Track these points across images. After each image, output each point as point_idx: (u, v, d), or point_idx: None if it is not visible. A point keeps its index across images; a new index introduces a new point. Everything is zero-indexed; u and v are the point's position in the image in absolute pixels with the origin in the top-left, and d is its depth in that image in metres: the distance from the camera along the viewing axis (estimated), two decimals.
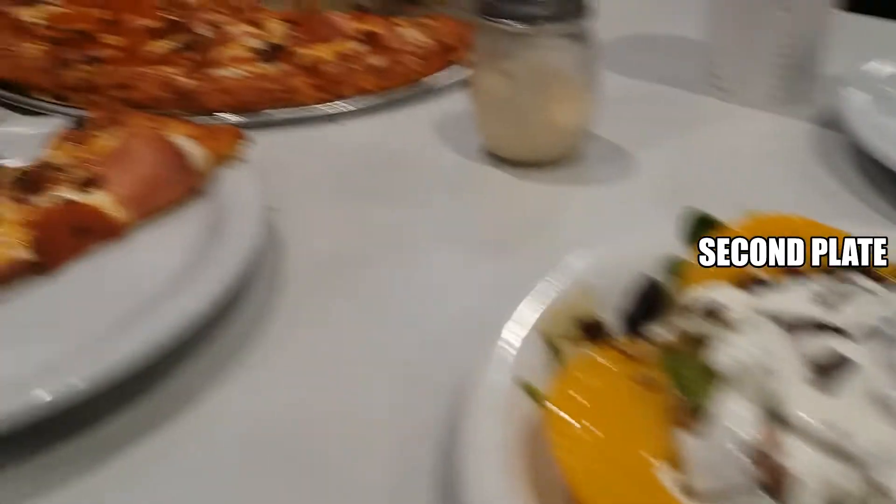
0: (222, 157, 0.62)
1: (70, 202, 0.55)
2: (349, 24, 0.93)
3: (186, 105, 0.78)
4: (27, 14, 0.97)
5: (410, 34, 0.91)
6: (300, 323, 0.52)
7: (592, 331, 0.42)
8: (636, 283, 0.45)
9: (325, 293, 0.55)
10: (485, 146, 0.72)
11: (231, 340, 0.50)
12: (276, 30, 0.95)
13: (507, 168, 0.70)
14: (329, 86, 0.80)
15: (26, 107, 0.81)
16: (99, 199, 0.56)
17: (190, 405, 0.45)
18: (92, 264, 0.55)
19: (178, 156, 0.59)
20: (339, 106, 0.80)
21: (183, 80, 0.79)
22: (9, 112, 0.82)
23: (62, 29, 0.93)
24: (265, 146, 0.66)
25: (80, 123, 0.64)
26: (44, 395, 0.39)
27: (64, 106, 0.80)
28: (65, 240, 0.54)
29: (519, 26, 0.63)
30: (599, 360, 0.38)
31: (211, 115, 0.77)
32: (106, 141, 0.62)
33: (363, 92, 0.81)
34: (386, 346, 0.50)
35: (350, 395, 0.47)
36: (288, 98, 0.79)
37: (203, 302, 0.46)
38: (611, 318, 0.44)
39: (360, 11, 1.08)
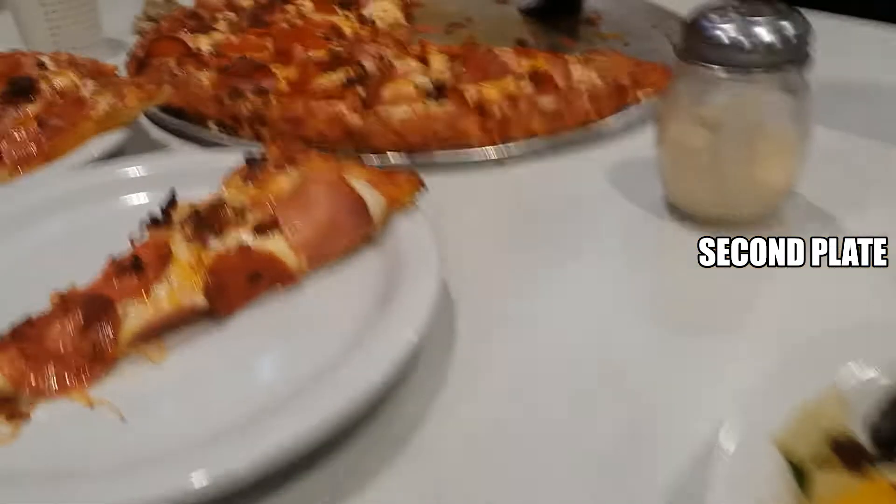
0: (399, 205, 0.59)
1: (247, 248, 0.54)
2: (516, 60, 0.89)
3: (355, 143, 0.76)
4: (202, 42, 1.00)
5: (581, 73, 0.85)
6: (471, 394, 0.48)
7: (849, 453, 0.35)
8: (889, 391, 0.37)
9: (499, 361, 0.51)
10: (669, 199, 0.66)
11: (397, 413, 0.46)
12: (441, 64, 0.92)
13: (695, 225, 0.63)
14: (498, 128, 0.76)
15: (196, 136, 0.82)
16: (275, 245, 0.54)
17: (356, 484, 0.41)
18: (263, 312, 0.53)
19: (357, 202, 0.56)
20: (508, 149, 0.76)
21: (351, 118, 0.77)
22: (179, 140, 0.84)
23: (231, 57, 0.94)
24: (431, 189, 0.62)
25: (255, 160, 0.63)
26: (201, 479, 0.37)
27: (232, 136, 0.80)
28: (240, 286, 0.53)
29: (728, 73, 0.56)
30: (865, 494, 0.31)
31: (379, 154, 0.75)
32: (282, 181, 0.61)
33: (533, 134, 0.77)
34: (572, 433, 0.45)
35: (539, 487, 0.41)
36: (456, 140, 0.75)
37: (382, 373, 0.43)
38: (861, 434, 0.37)
39: (522, 46, 1.04)
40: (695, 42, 0.58)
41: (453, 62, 0.91)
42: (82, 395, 0.46)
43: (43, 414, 0.45)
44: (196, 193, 0.60)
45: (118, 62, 0.96)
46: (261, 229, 0.55)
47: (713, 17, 0.57)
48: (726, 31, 0.56)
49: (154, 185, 0.67)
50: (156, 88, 0.77)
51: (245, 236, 0.54)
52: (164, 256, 0.52)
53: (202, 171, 0.67)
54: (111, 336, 0.48)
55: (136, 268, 0.51)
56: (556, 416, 0.46)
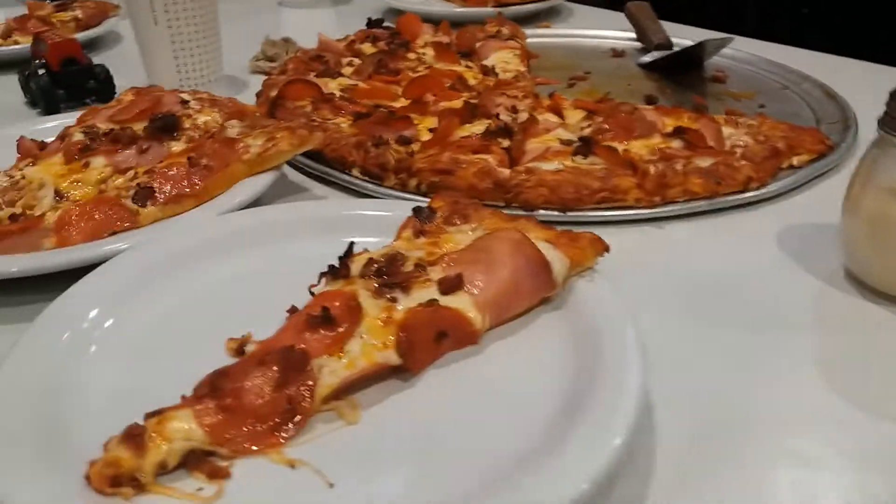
0: (580, 268, 0.56)
1: (436, 305, 0.52)
2: (661, 118, 0.87)
3: (503, 196, 0.74)
4: (331, 86, 1.00)
5: (735, 135, 0.83)
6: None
7: None
8: None
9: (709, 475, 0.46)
10: (855, 271, 0.62)
11: None
12: (578, 119, 0.91)
13: (884, 300, 0.59)
14: (656, 187, 0.73)
15: (339, 182, 0.81)
16: (461, 303, 0.52)
17: None
18: (448, 371, 0.51)
19: (541, 263, 0.54)
20: (666, 209, 0.73)
21: (500, 171, 0.75)
22: (319, 184, 0.83)
23: (364, 104, 0.94)
24: None
25: (424, 213, 0.61)
26: None
27: (377, 184, 0.79)
28: (428, 343, 0.51)
29: None
30: None
31: (529, 209, 0.73)
32: (456, 236, 0.59)
33: (692, 195, 0.74)
34: None
35: None
36: (611, 197, 0.73)
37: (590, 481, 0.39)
38: None
39: (652, 104, 1.02)
40: None
41: (591, 118, 0.89)
42: (280, 455, 0.44)
43: (241, 473, 0.43)
44: (361, 242, 0.59)
45: (241, 99, 0.96)
46: (447, 287, 0.53)
47: None
48: None
49: (315, 231, 0.66)
50: (308, 133, 0.77)
51: (433, 294, 0.52)
52: (354, 310, 0.50)
53: (363, 220, 0.67)
54: (308, 392, 0.46)
55: (328, 321, 0.49)
56: None
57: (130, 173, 0.75)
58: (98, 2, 1.47)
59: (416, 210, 0.62)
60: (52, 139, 0.83)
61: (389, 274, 0.54)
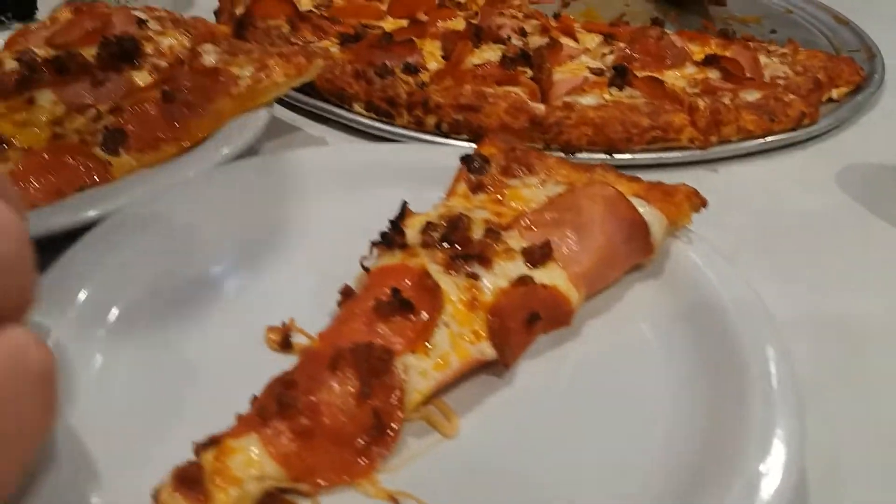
0: (675, 227, 0.49)
1: (529, 282, 0.42)
2: (688, 45, 0.78)
3: (540, 136, 0.65)
4: (306, 1, 0.86)
5: (775, 65, 0.76)
6: None
7: None
8: None
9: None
10: None
11: None
12: (594, 44, 0.81)
13: None
14: (709, 125, 0.65)
15: (339, 120, 0.70)
16: (556, 278, 0.43)
17: None
18: (543, 361, 0.43)
19: (639, 225, 0.46)
20: (718, 150, 0.66)
21: (535, 106, 0.66)
22: (312, 122, 0.71)
23: (350, 24, 0.81)
24: None
25: (475, 163, 0.51)
26: None
27: (387, 123, 0.68)
28: (519, 329, 0.42)
29: None
30: None
31: (568, 151, 0.64)
32: (524, 192, 0.50)
33: (745, 134, 0.67)
34: None
35: None
36: (664, 136, 0.65)
37: None
38: None
39: (658, 26, 0.94)
40: None
41: (610, 43, 0.80)
42: (375, 486, 0.35)
43: None
44: (395, 195, 0.48)
45: (189, 14, 0.81)
46: (535, 258, 0.44)
47: None
48: None
49: (338, 185, 0.55)
50: (305, 61, 0.64)
51: (520, 268, 0.43)
52: (432, 291, 0.41)
53: (394, 169, 0.56)
54: (397, 402, 0.37)
55: (405, 307, 0.40)
56: None
57: (91, 112, 0.61)
58: None
59: (466, 159, 0.52)
60: None
61: (458, 242, 0.44)
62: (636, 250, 0.46)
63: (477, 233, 0.45)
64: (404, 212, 0.47)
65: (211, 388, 0.39)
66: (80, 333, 0.40)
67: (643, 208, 0.47)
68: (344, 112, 0.70)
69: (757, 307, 0.42)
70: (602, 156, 0.64)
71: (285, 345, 0.42)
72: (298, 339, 0.42)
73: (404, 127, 0.68)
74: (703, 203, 0.49)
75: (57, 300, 0.41)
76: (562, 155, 0.64)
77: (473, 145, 0.64)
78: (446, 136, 0.66)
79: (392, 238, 0.45)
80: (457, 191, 0.50)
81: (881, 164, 0.66)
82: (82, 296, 0.42)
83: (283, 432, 0.35)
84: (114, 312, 0.43)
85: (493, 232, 0.45)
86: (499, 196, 0.50)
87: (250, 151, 0.60)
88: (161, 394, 0.39)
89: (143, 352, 0.41)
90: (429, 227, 0.46)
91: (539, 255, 0.44)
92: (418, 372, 0.38)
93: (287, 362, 0.38)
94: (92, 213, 0.50)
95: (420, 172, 0.54)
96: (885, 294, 0.52)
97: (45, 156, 0.57)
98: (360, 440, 0.36)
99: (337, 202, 0.53)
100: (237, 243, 0.50)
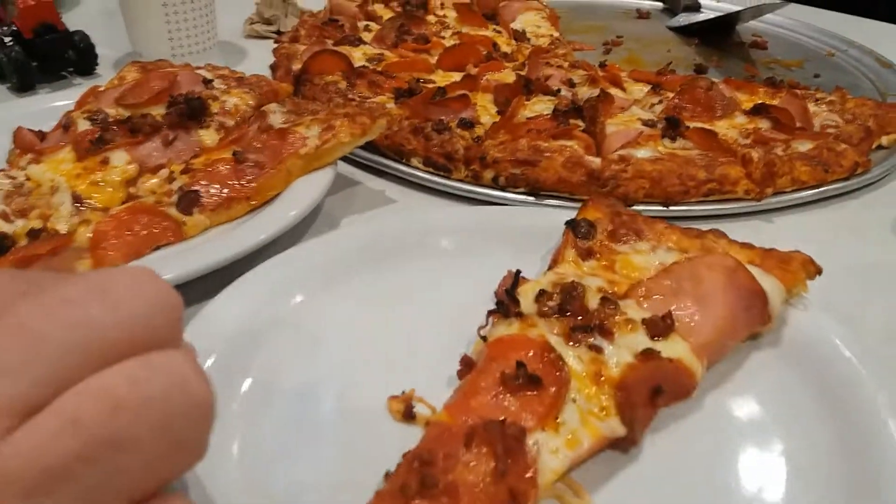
0: (791, 295, 0.48)
1: (654, 356, 0.42)
2: (736, 93, 0.80)
3: (598, 189, 0.66)
4: (359, 56, 0.89)
5: (824, 114, 0.77)
6: None
7: None
8: None
9: None
10: None
11: None
12: (641, 94, 0.83)
13: None
14: (764, 176, 0.66)
15: (398, 174, 0.72)
16: (679, 351, 0.43)
17: None
18: (670, 435, 0.42)
19: (757, 294, 0.46)
20: (773, 201, 0.67)
21: (591, 160, 0.67)
22: (370, 175, 0.73)
23: (403, 78, 0.84)
24: None
25: (582, 227, 0.51)
26: None
27: (444, 177, 0.70)
28: (644, 404, 0.41)
29: None
30: None
31: (626, 204, 0.65)
32: (634, 258, 0.50)
33: (799, 184, 0.68)
34: None
35: None
36: (718, 189, 0.66)
37: None
38: None
39: (701, 72, 0.96)
40: None
41: (658, 93, 0.81)
42: None
43: None
44: (499, 260, 0.50)
45: (241, 69, 0.84)
46: (657, 330, 0.43)
47: None
48: None
49: (440, 249, 0.56)
50: (370, 121, 0.66)
51: (644, 340, 0.43)
52: (557, 365, 0.41)
53: (497, 232, 0.57)
54: (530, 479, 0.36)
55: (533, 382, 0.39)
56: None
57: (164, 172, 0.64)
58: None
59: (572, 224, 0.52)
60: (50, 128, 0.70)
61: (575, 312, 0.44)
62: (754, 319, 0.46)
63: (592, 302, 0.45)
64: (517, 280, 0.47)
65: (340, 459, 0.40)
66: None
67: (761, 277, 0.47)
68: (402, 166, 0.71)
69: (881, 376, 0.42)
70: (658, 208, 0.65)
71: (408, 415, 0.42)
72: (421, 409, 0.42)
73: (461, 181, 0.69)
74: (819, 271, 0.49)
75: None
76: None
77: (532, 198, 0.67)
78: (503, 189, 0.68)
79: (508, 307, 0.45)
80: (566, 257, 0.50)
81: None
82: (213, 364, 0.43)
83: None
84: (247, 382, 0.44)
85: (609, 301, 0.45)
86: (609, 263, 0.49)
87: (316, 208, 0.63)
88: (293, 463, 0.40)
89: (274, 423, 0.42)
90: (543, 295, 0.46)
91: (662, 326, 0.43)
92: (550, 450, 0.38)
93: (410, 432, 0.39)
94: (169, 276, 0.52)
95: (523, 236, 0.55)
96: None
97: (122, 216, 0.59)
98: None
99: (444, 268, 0.54)
100: (352, 312, 0.50)
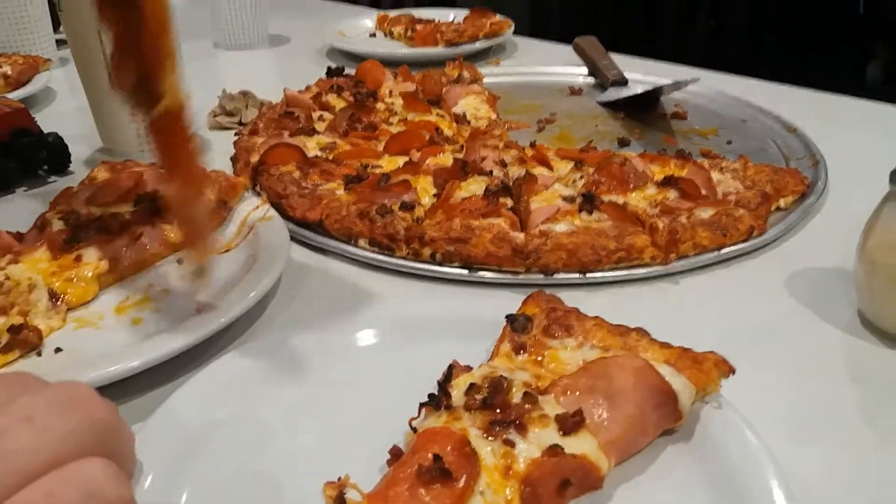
0: (704, 393, 0.52)
1: (560, 451, 0.46)
2: (649, 166, 0.89)
3: (522, 262, 0.74)
4: (312, 145, 0.98)
5: (725, 181, 0.86)
6: None
7: None
8: None
9: None
10: (871, 320, 0.66)
11: None
12: (566, 170, 0.92)
13: None
14: (668, 243, 0.75)
15: (345, 254, 0.79)
16: (586, 447, 0.47)
17: None
18: None
19: (667, 394, 0.49)
20: (678, 265, 0.75)
21: (515, 235, 0.75)
22: (320, 255, 0.81)
23: (352, 165, 0.92)
24: (603, 309, 0.59)
25: (520, 322, 0.57)
26: None
27: (388, 255, 0.78)
28: (552, 497, 0.46)
29: None
30: None
31: (547, 273, 0.74)
32: (561, 353, 0.55)
33: (700, 249, 0.76)
34: None
35: None
36: (628, 256, 0.74)
37: None
38: None
39: (624, 145, 1.05)
40: None
41: (580, 168, 0.90)
42: None
43: None
44: (444, 349, 0.55)
45: (206, 161, 0.92)
46: (568, 427, 0.48)
47: None
48: None
49: (387, 339, 0.61)
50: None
51: (554, 436, 0.47)
52: (470, 458, 0.45)
53: (444, 322, 0.62)
54: None
55: (444, 475, 0.44)
56: None
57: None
58: (26, 56, 1.38)
59: (511, 319, 0.57)
60: (27, 228, 0.77)
61: (498, 406, 0.48)
62: (665, 417, 0.50)
63: (516, 396, 0.49)
64: (450, 374, 0.52)
65: None
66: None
67: (672, 377, 0.50)
68: (348, 247, 0.79)
69: (770, 472, 0.46)
70: (576, 275, 0.73)
71: (339, 501, 0.46)
72: (353, 496, 0.47)
73: (403, 258, 0.77)
74: (731, 370, 0.53)
75: None
76: (539, 276, 0.73)
77: (466, 271, 0.75)
78: (440, 264, 0.76)
79: (439, 400, 0.50)
80: (500, 351, 0.56)
81: (824, 268, 0.75)
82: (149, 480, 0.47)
83: None
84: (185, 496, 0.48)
85: (530, 396, 0.49)
86: (539, 357, 0.55)
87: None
88: None
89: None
90: (472, 388, 0.50)
91: (571, 423, 0.47)
92: None
93: None
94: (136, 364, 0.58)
95: (468, 326, 0.60)
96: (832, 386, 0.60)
97: None
98: None
99: (388, 358, 0.59)
100: (293, 401, 0.56)
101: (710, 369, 0.52)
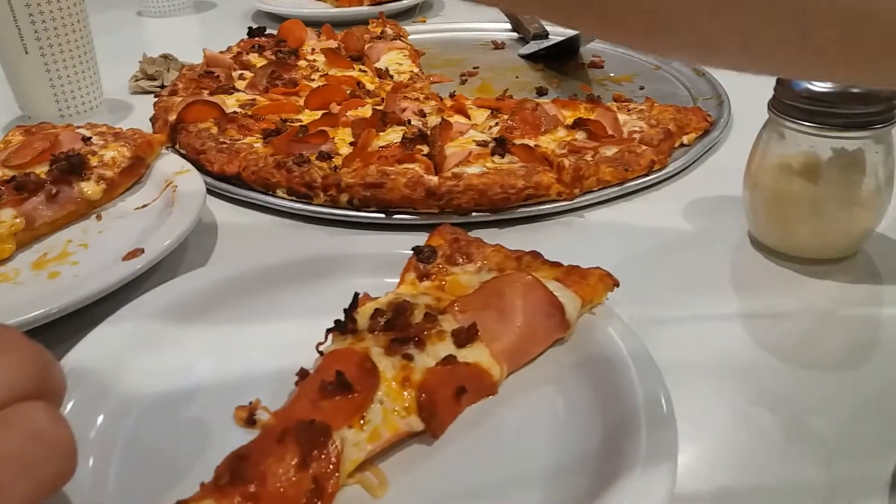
0: (591, 305, 0.56)
1: (454, 361, 0.49)
2: (560, 111, 0.92)
3: (436, 203, 0.77)
4: (232, 103, 0.98)
5: (631, 122, 0.90)
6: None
7: None
8: None
9: None
10: (760, 239, 0.70)
11: None
12: (482, 118, 0.95)
13: (789, 264, 0.68)
14: (573, 180, 0.78)
15: (264, 205, 0.81)
16: (479, 356, 0.50)
17: None
18: (468, 427, 0.49)
19: (554, 306, 0.53)
20: (583, 199, 0.79)
21: (430, 179, 0.78)
22: (244, 209, 0.82)
23: (271, 120, 0.94)
24: (514, 243, 0.62)
25: (424, 253, 0.60)
26: None
27: (306, 203, 0.79)
28: (448, 402, 0.49)
29: (828, 130, 0.61)
30: None
31: (461, 214, 0.77)
32: (462, 279, 0.58)
33: (604, 184, 0.80)
34: None
35: None
36: (536, 194, 0.77)
37: None
38: None
39: (542, 94, 1.09)
40: (793, 99, 0.62)
41: (496, 116, 0.93)
42: None
43: None
44: (357, 284, 0.57)
45: (127, 124, 0.92)
46: (462, 339, 0.51)
47: None
48: (824, 88, 0.61)
49: (303, 277, 0.63)
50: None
51: (449, 348, 0.50)
52: (370, 372, 0.48)
53: (354, 260, 0.64)
54: (331, 468, 0.44)
55: (344, 387, 0.47)
56: None
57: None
58: None
59: (417, 250, 0.60)
60: None
61: (399, 326, 0.51)
62: (554, 327, 0.53)
63: (418, 318, 0.52)
64: (356, 301, 0.54)
65: (189, 462, 0.47)
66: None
67: (559, 291, 0.54)
68: (269, 197, 0.81)
69: (646, 360, 0.51)
70: (487, 214, 0.76)
71: (250, 421, 0.49)
72: (263, 417, 0.50)
73: (321, 205, 0.79)
74: (615, 283, 0.56)
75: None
76: (455, 217, 0.76)
77: (383, 215, 0.77)
78: (358, 209, 0.78)
79: (345, 325, 0.52)
80: (406, 279, 0.59)
81: (721, 196, 0.79)
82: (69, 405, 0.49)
83: (234, 497, 0.42)
84: (100, 419, 0.50)
85: (430, 316, 0.52)
86: (441, 283, 0.58)
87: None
88: (148, 470, 0.47)
89: (132, 443, 0.49)
90: (377, 313, 0.53)
91: (465, 336, 0.51)
92: (353, 444, 0.45)
93: (251, 437, 0.46)
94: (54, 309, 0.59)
95: (381, 263, 0.63)
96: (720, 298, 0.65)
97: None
98: (302, 502, 0.42)
99: (301, 292, 0.62)
100: (207, 335, 0.58)
101: (595, 283, 0.56)
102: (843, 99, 0.60)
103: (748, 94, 0.97)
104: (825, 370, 0.57)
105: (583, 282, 0.56)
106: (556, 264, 0.58)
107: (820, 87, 0.61)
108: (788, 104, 0.63)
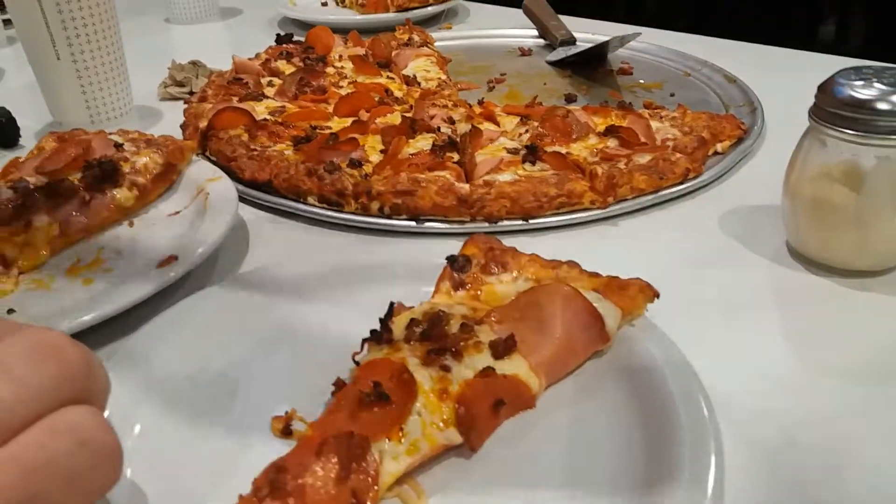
0: (631, 317, 0.55)
1: (492, 373, 0.49)
2: (591, 118, 0.91)
3: (467, 211, 0.76)
4: (261, 110, 0.99)
5: (664, 129, 0.89)
6: None
7: None
8: None
9: None
10: (799, 249, 0.69)
11: None
12: (512, 125, 0.94)
13: (829, 276, 0.67)
14: (606, 188, 0.78)
15: (296, 212, 0.81)
16: (518, 368, 0.50)
17: None
18: (507, 440, 0.49)
19: (593, 318, 0.52)
20: (617, 208, 0.78)
21: (461, 186, 0.77)
22: (274, 216, 0.82)
23: (301, 127, 0.93)
24: (545, 252, 0.61)
25: (459, 262, 0.59)
26: None
27: (337, 211, 0.79)
28: (486, 414, 0.48)
29: (871, 137, 0.60)
30: None
31: (492, 221, 0.76)
32: (498, 289, 0.57)
33: (637, 192, 0.79)
34: None
35: None
36: (568, 202, 0.77)
37: None
38: None
39: (571, 101, 1.08)
40: (835, 107, 0.61)
41: (526, 123, 0.93)
42: None
43: None
44: (392, 293, 0.57)
45: (157, 131, 0.93)
46: (499, 351, 0.50)
47: (851, 81, 0.61)
48: (868, 95, 0.60)
49: (338, 287, 0.63)
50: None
51: (487, 360, 0.49)
52: (408, 384, 0.48)
53: (390, 268, 0.64)
54: (370, 481, 0.43)
55: (383, 399, 0.46)
56: None
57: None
58: None
59: (451, 259, 0.59)
60: None
61: (435, 337, 0.50)
62: (593, 339, 0.52)
63: (454, 327, 0.51)
64: (391, 311, 0.54)
65: (225, 472, 0.46)
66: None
67: (598, 302, 0.53)
68: (299, 205, 0.81)
69: (688, 371, 0.50)
70: (520, 222, 0.76)
71: (286, 432, 0.49)
72: (299, 427, 0.49)
73: (352, 213, 0.79)
74: (655, 294, 0.55)
75: None
76: (485, 224, 0.75)
77: (414, 223, 0.77)
78: (389, 217, 0.78)
79: (381, 335, 0.52)
80: (441, 289, 0.58)
81: (757, 205, 0.78)
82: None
83: None
84: (137, 427, 0.50)
85: (467, 327, 0.51)
86: (476, 293, 0.57)
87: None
88: (185, 479, 0.47)
89: (169, 451, 0.48)
90: (412, 323, 0.52)
91: (503, 347, 0.50)
92: (391, 456, 0.44)
93: (288, 447, 0.45)
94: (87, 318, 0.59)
95: (414, 271, 0.63)
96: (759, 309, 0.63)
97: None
98: None
99: (336, 302, 0.61)
100: (243, 344, 0.57)
101: (635, 294, 0.55)
102: (891, 104, 0.59)
103: (781, 100, 0.96)
104: (869, 386, 0.55)
105: (622, 293, 0.55)
106: (595, 274, 0.57)
107: (863, 94, 0.60)
108: (830, 112, 0.62)
